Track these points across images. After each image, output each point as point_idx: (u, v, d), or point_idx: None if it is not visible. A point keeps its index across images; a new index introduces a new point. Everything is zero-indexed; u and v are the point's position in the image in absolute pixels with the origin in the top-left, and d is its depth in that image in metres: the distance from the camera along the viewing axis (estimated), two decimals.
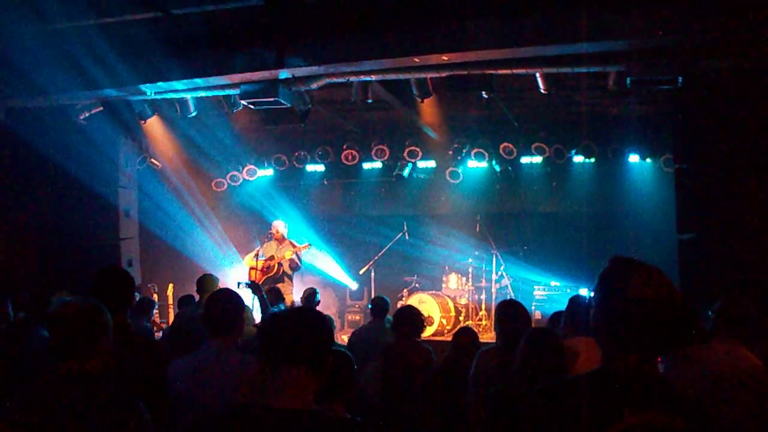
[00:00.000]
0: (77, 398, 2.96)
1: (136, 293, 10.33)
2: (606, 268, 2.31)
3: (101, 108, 10.31)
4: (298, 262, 11.53)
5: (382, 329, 7.54)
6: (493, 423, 4.25)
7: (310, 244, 11.61)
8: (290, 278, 11.56)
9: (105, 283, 4.01)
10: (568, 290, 12.10)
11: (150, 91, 9.67)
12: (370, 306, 8.48)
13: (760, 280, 7.73)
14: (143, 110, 10.52)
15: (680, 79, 7.94)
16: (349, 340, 8.32)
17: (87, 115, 10.21)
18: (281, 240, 11.56)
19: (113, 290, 3.95)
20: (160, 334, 9.54)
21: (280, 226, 11.73)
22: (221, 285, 8.04)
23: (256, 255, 11.44)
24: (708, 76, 8.31)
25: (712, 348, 3.77)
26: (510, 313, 5.29)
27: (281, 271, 11.45)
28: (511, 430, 3.83)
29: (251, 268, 11.46)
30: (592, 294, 2.37)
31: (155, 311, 10.01)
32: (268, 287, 9.31)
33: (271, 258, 11.43)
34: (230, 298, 4.28)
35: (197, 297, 7.85)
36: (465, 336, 6.22)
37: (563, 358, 4.12)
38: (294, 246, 11.48)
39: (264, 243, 11.89)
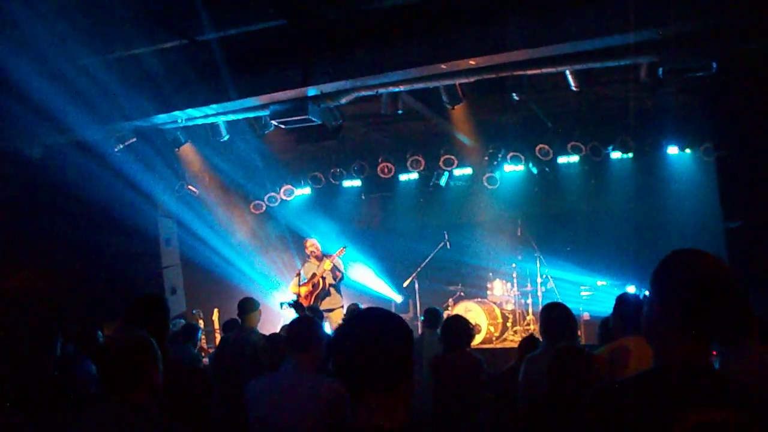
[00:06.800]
0: (125, 428, 2.97)
1: (181, 320, 10.53)
2: (664, 258, 2.25)
3: (134, 139, 10.38)
4: (341, 269, 11.57)
5: (436, 340, 7.44)
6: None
7: (345, 247, 11.67)
8: (337, 289, 11.62)
9: (138, 312, 4.02)
10: (615, 289, 11.86)
11: (181, 118, 9.74)
12: (422, 318, 8.45)
13: None
14: (176, 138, 10.57)
15: (714, 64, 7.74)
16: None
17: (121, 146, 10.28)
18: (320, 257, 11.63)
19: (146, 318, 3.93)
20: (207, 360, 9.57)
21: (314, 244, 11.83)
22: (264, 307, 8.06)
23: (298, 275, 11.49)
24: (743, 60, 8.11)
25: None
26: (554, 316, 5.23)
27: (327, 285, 11.50)
28: None
29: (297, 294, 11.51)
30: (647, 290, 2.31)
31: (201, 336, 10.05)
32: (310, 306, 9.35)
33: (313, 276, 11.48)
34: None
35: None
36: (531, 342, 6.21)
37: (591, 373, 4.05)
38: (330, 256, 11.55)
39: (304, 265, 11.91)
